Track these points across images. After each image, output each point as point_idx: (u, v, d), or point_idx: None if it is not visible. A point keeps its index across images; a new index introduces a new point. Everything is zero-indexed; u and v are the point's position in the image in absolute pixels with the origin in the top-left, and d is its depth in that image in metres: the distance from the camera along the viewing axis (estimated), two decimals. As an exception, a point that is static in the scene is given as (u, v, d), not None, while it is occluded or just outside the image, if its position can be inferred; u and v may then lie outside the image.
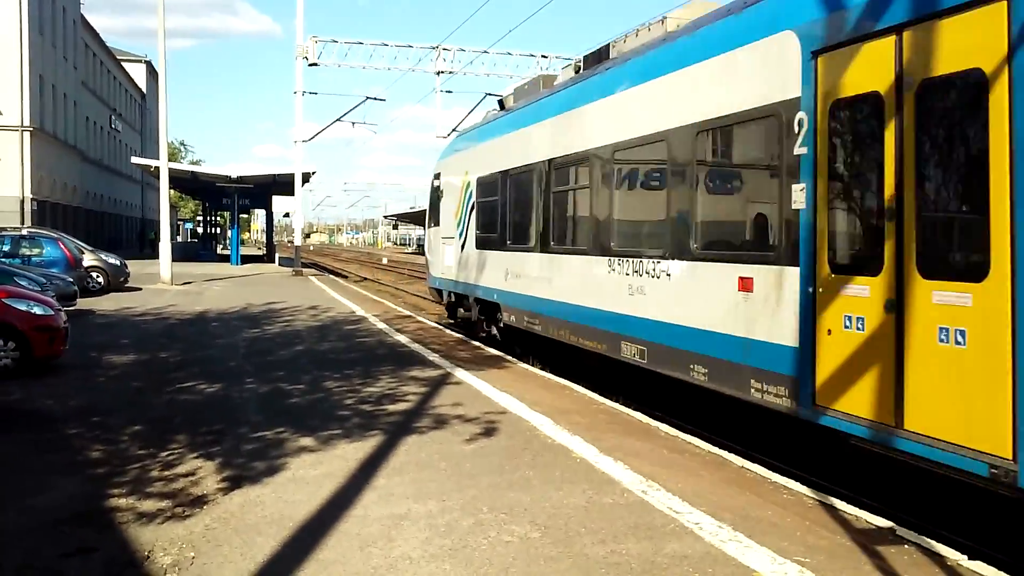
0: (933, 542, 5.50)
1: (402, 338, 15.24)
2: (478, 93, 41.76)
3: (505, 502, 5.87)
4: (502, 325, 14.70)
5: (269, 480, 6.32)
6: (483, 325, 16.13)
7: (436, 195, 19.44)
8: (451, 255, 17.61)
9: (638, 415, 9.44)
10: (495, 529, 5.33)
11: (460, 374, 11.23)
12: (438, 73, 40.67)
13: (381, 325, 17.47)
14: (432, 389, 10.05)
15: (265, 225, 67.07)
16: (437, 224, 19.18)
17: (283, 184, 43.27)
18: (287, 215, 46.68)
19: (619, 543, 5.14)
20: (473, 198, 16.09)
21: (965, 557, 5.31)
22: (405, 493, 6.04)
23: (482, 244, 15.51)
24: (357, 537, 5.17)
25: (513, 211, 14.04)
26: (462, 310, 17.68)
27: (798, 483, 6.85)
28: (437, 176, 19.55)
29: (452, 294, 18.27)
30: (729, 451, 7.99)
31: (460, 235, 16.93)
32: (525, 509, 5.73)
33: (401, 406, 9.06)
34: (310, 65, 38.76)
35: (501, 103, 16.45)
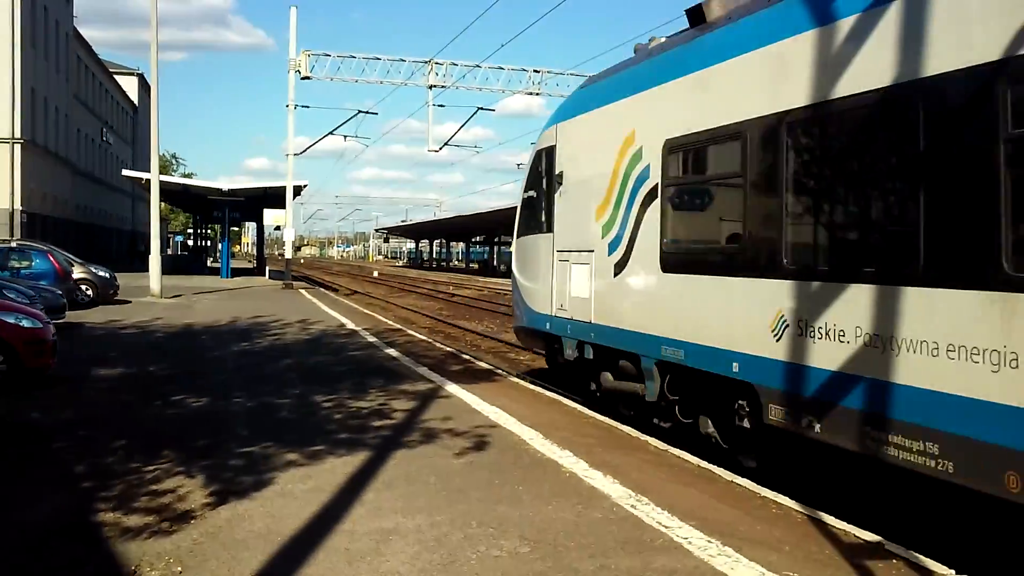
0: (921, 556, 5.52)
1: (392, 351, 15.22)
2: (470, 107, 41.86)
3: (494, 516, 5.86)
4: (744, 424, 7.80)
5: (257, 495, 6.29)
6: (674, 412, 9.15)
7: (546, 182, 12.02)
8: (584, 281, 10.61)
9: (628, 429, 9.44)
10: (484, 544, 5.32)
11: (450, 388, 11.22)
12: (430, 87, 40.89)
13: (371, 338, 17.44)
14: (422, 403, 10.04)
15: (256, 238, 67.06)
16: (546, 229, 11.94)
17: (274, 197, 43.28)
18: (278, 228, 46.62)
19: (608, 557, 5.14)
20: (654, 179, 9.03)
21: (953, 572, 5.33)
22: (394, 507, 6.02)
23: (687, 264, 8.56)
24: (345, 552, 5.15)
25: (813, 194, 7.15)
26: (610, 376, 10.37)
27: (787, 497, 6.86)
28: (547, 151, 12.01)
29: (586, 347, 10.80)
30: (719, 466, 7.99)
31: (614, 247, 9.85)
32: (514, 523, 5.72)
33: (391, 420, 9.04)
34: (302, 79, 38.98)
35: (696, 11, 9.20)
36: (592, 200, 10.47)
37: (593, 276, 10.41)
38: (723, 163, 8.33)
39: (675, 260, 8.79)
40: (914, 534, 6.34)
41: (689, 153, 8.79)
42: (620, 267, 9.77)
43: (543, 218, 12.13)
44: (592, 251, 10.43)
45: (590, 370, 10.99)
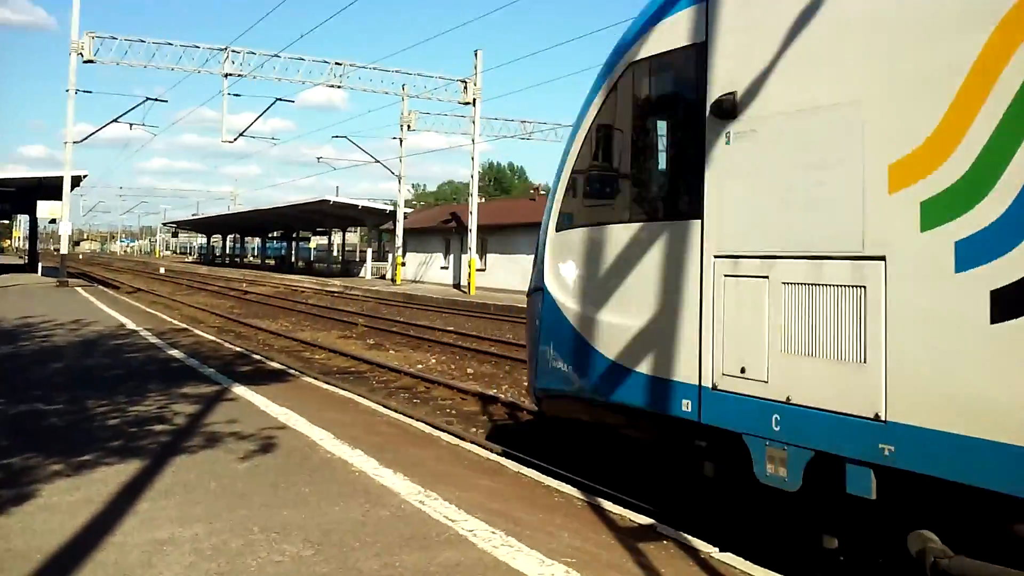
0: (689, 536, 5.92)
1: (176, 352, 14.50)
2: (268, 98, 40.75)
3: (278, 521, 5.72)
4: None
5: (16, 510, 5.81)
6: None
7: (671, 123, 6.67)
8: (841, 323, 5.04)
9: (420, 425, 9.51)
10: (265, 549, 5.18)
11: (238, 389, 10.83)
12: (226, 75, 39.34)
13: (153, 339, 16.55)
14: (206, 406, 9.63)
15: (28, 232, 62.02)
16: (670, 214, 6.38)
17: (50, 188, 40.22)
18: (53, 221, 43.32)
19: (393, 555, 5.14)
20: None
21: (716, 549, 5.75)
22: (170, 516, 5.74)
23: None
24: (114, 566, 4.86)
25: None
26: (941, 545, 4.63)
27: (569, 485, 7.14)
28: (670, 61, 6.38)
29: (852, 470, 4.90)
30: (508, 458, 8.21)
31: (995, 247, 4.25)
32: (299, 527, 5.61)
33: (171, 425, 8.60)
34: (85, 62, 36.47)
35: None
36: (872, 148, 4.97)
37: (886, 314, 4.87)
38: None
39: None
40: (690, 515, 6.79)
41: None
42: None
43: (662, 192, 6.81)
44: (881, 258, 4.90)
45: (858, 516, 5.23)
